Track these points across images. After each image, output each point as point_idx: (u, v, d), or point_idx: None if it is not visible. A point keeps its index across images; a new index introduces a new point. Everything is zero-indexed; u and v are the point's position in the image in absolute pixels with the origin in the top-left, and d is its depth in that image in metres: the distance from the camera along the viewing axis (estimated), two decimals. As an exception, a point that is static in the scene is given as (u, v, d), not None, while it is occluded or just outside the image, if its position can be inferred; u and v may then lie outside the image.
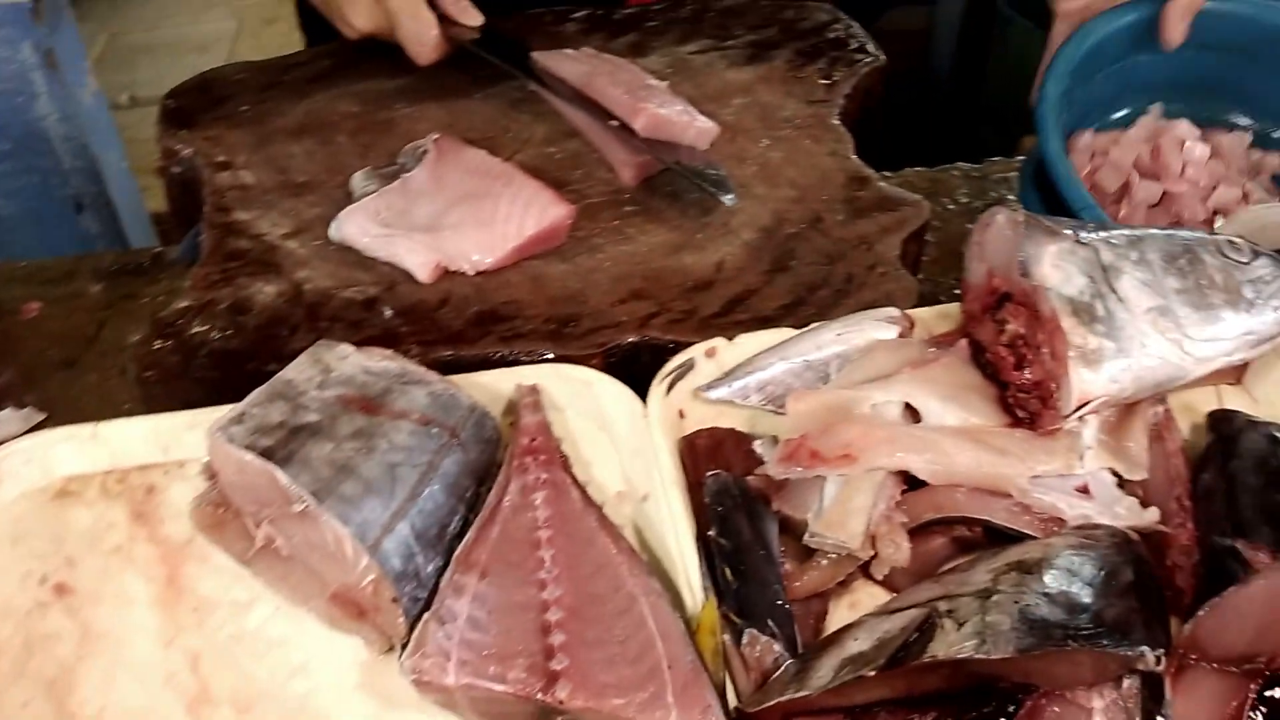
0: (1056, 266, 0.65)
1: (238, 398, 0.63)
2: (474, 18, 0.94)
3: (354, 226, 0.82)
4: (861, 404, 0.64)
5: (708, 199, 0.85)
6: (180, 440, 0.69)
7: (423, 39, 0.91)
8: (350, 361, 0.65)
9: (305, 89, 1.00)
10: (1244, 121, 0.98)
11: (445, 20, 0.93)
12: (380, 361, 0.65)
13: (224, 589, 0.63)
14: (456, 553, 0.60)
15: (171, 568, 0.64)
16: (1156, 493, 0.64)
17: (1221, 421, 0.66)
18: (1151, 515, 0.62)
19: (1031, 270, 0.64)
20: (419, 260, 0.79)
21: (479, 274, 0.80)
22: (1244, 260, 0.67)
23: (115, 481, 0.68)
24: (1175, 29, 0.88)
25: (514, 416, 0.69)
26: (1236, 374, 0.72)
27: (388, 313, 0.78)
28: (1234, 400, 0.72)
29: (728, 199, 0.83)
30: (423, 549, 0.59)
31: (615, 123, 0.88)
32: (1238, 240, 0.68)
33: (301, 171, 0.91)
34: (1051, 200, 0.85)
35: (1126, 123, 0.96)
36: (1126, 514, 0.62)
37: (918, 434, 0.63)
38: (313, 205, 0.87)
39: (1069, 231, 0.66)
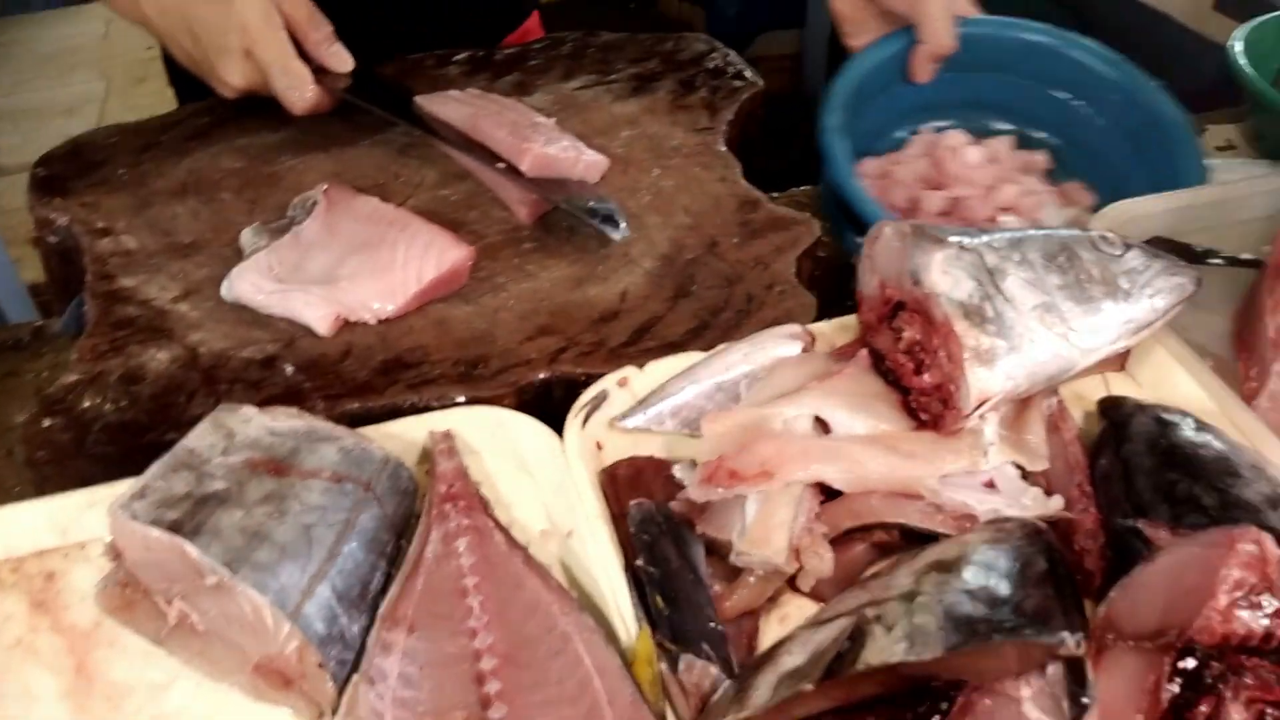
0: (945, 273, 0.67)
1: (138, 471, 0.61)
2: (345, 62, 0.93)
3: (246, 284, 0.80)
4: (773, 420, 0.66)
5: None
6: (79, 521, 0.66)
7: (298, 91, 0.90)
8: (254, 424, 0.63)
9: (184, 148, 0.97)
10: (1005, 127, 1.07)
11: (320, 71, 0.92)
12: (286, 421, 0.64)
13: (139, 672, 0.60)
14: (381, 610, 0.59)
15: (79, 656, 0.61)
16: (1058, 481, 0.67)
17: (1111, 408, 0.69)
18: (1056, 503, 0.64)
19: (922, 278, 0.67)
20: (317, 313, 0.78)
21: (381, 322, 0.79)
22: (1117, 253, 0.70)
23: (10, 571, 0.65)
24: (923, 72, 0.98)
25: (429, 464, 0.68)
26: (1120, 361, 0.76)
27: (289, 370, 0.76)
28: (1120, 386, 0.75)
29: (617, 235, 0.84)
30: (346, 610, 0.58)
31: (502, 165, 0.88)
32: (1109, 234, 0.71)
33: (187, 232, 0.88)
34: (851, 219, 0.90)
35: (901, 145, 1.05)
36: (1033, 504, 0.64)
37: (830, 445, 0.64)
38: (201, 266, 0.85)
39: (954, 238, 0.69)
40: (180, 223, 0.89)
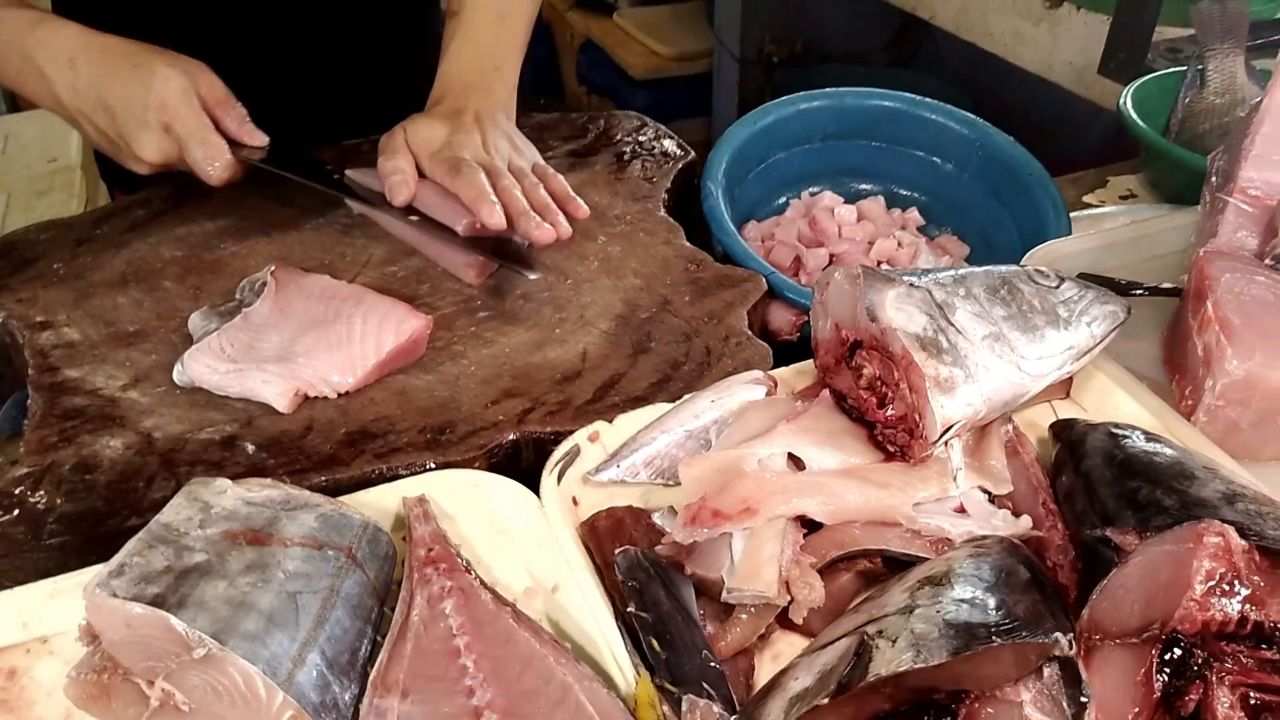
0: (899, 309, 0.70)
1: (100, 560, 0.59)
2: (259, 139, 0.94)
3: (200, 366, 0.79)
4: (749, 460, 0.67)
5: (559, 297, 0.87)
6: (41, 614, 0.63)
7: (215, 162, 0.90)
8: (229, 495, 0.62)
9: (122, 240, 0.96)
10: (874, 188, 1.18)
11: (234, 143, 0.93)
12: (261, 491, 0.63)
13: (116, 765, 0.57)
14: (372, 676, 0.57)
15: (49, 754, 0.58)
16: (1023, 502, 0.69)
17: (1064, 430, 0.72)
18: (1025, 523, 0.66)
19: (878, 314, 0.69)
20: (276, 390, 0.77)
21: (341, 396, 0.79)
22: (1053, 285, 0.74)
23: (-34, 672, 0.62)
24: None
25: (405, 531, 0.67)
26: (1065, 389, 0.79)
27: (250, 448, 0.75)
28: (1066, 412, 0.79)
29: (532, 275, 0.86)
30: (337, 677, 0.56)
31: (415, 217, 0.90)
32: (1043, 268, 0.76)
33: (131, 321, 0.87)
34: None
35: (781, 211, 1.15)
36: (1003, 525, 0.66)
37: (808, 480, 0.65)
38: (148, 353, 0.83)
39: (902, 278, 0.72)
40: (123, 312, 0.88)
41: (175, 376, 0.80)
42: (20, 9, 0.92)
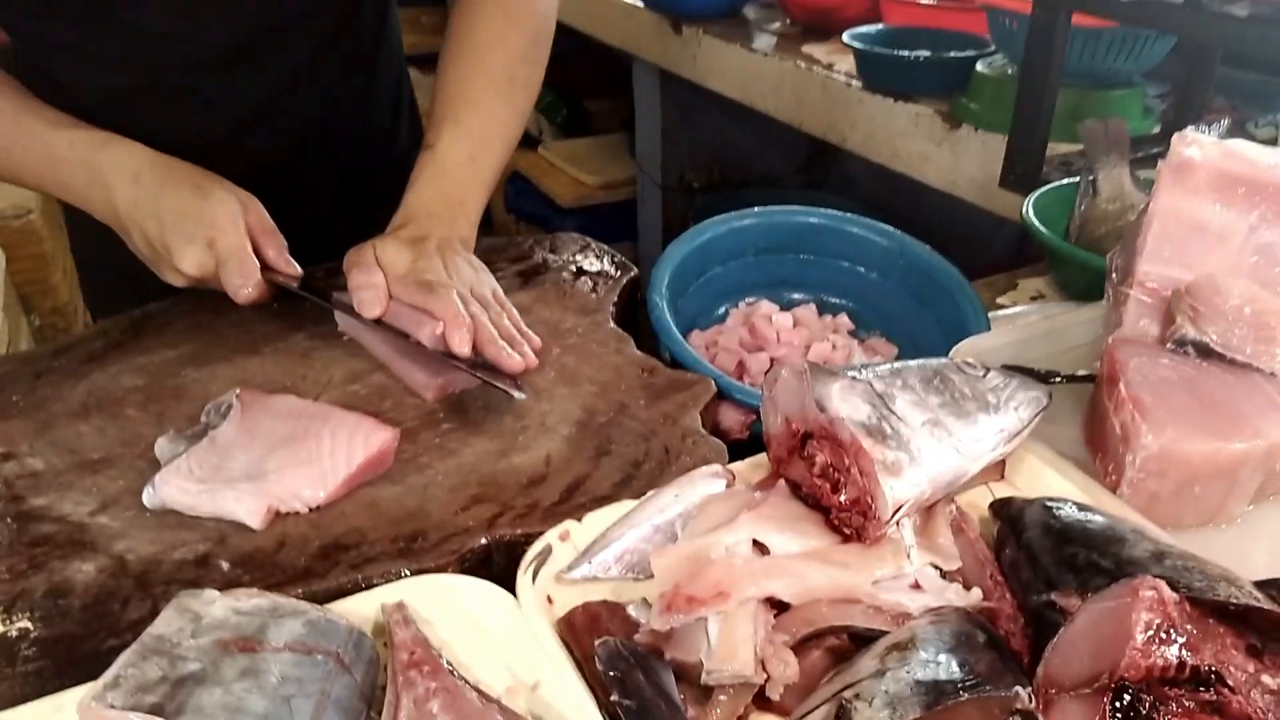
0: (844, 400, 0.76)
1: (83, 681, 0.59)
2: (294, 269, 1.01)
3: (171, 488, 0.80)
4: (716, 548, 0.70)
5: (519, 407, 0.91)
6: (19, 740, 0.62)
7: (248, 281, 0.96)
8: (219, 605, 0.63)
9: (81, 370, 0.98)
10: (806, 297, 1.27)
11: (265, 268, 0.99)
12: (249, 600, 0.64)
13: None
14: (363, 779, 0.58)
15: None
16: (971, 576, 0.74)
17: (1003, 507, 0.78)
18: (975, 595, 0.71)
19: (826, 405, 0.75)
20: (248, 508, 0.79)
21: (312, 511, 0.80)
22: (979, 374, 0.81)
23: (-60, 807, 0.60)
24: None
25: (385, 637, 0.68)
26: (999, 471, 0.85)
27: (225, 565, 0.76)
28: (1003, 492, 0.84)
29: (519, 395, 0.90)
30: (330, 780, 0.57)
31: (406, 338, 0.94)
32: (970, 360, 0.82)
33: (95, 449, 0.88)
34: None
35: (722, 320, 1.24)
36: (956, 598, 0.70)
37: (773, 563, 0.69)
38: (115, 479, 0.84)
39: (845, 372, 0.78)
40: (87, 440, 0.89)
41: (145, 499, 0.81)
42: (89, 129, 1.00)
